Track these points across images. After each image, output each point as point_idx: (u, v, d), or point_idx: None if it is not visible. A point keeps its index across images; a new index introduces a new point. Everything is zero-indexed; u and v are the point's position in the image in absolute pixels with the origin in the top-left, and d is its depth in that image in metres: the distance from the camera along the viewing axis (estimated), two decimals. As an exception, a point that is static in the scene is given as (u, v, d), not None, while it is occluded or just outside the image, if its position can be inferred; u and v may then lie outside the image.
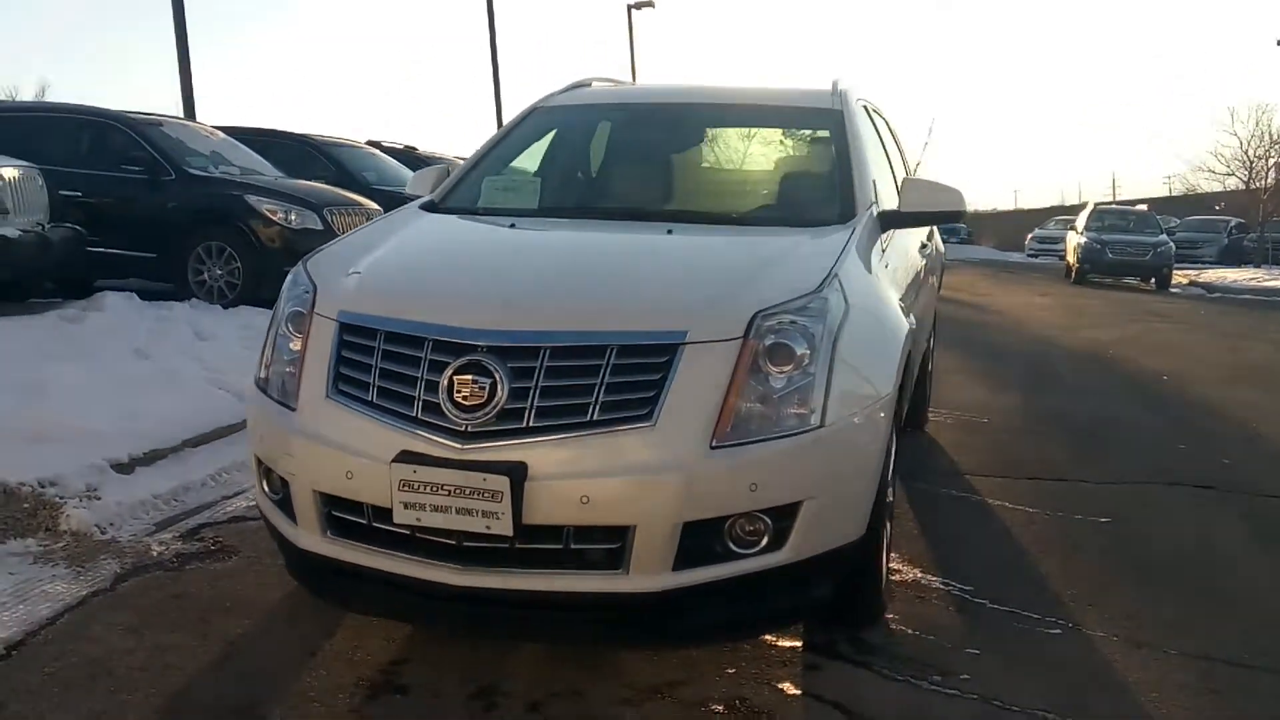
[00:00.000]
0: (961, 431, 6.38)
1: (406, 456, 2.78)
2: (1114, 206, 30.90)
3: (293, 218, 9.72)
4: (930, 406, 6.68)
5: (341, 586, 3.03)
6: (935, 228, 6.15)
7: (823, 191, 4.04)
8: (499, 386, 2.77)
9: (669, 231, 3.55)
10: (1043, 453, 5.91)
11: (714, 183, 4.18)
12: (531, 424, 2.76)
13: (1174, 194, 47.76)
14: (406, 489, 2.77)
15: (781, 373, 2.89)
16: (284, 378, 3.15)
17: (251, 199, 9.72)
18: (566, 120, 4.71)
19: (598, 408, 2.76)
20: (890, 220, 3.96)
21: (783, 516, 2.85)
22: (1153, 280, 23.05)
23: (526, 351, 2.82)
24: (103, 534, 4.22)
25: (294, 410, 3.06)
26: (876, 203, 3.92)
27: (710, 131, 4.45)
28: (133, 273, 10.02)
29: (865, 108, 4.86)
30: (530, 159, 4.77)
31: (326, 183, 11.76)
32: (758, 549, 2.85)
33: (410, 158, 15.97)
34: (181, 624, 3.42)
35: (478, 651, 3.20)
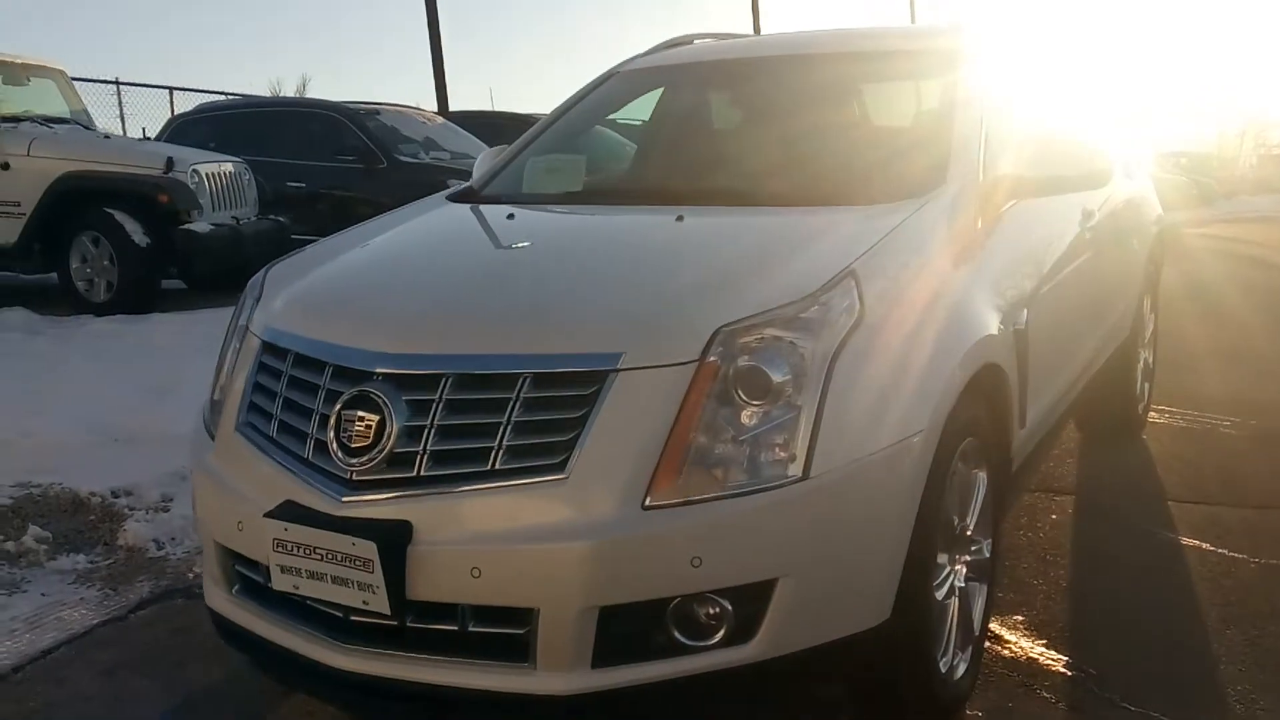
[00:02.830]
0: (1189, 440, 5.20)
1: (283, 510, 2.28)
2: None
3: (491, 198, 9.55)
4: (1159, 405, 5.55)
5: (256, 654, 2.57)
6: (1148, 187, 5.05)
7: (907, 156, 3.20)
8: (388, 424, 2.21)
9: (679, 218, 2.85)
10: (1290, 470, 4.70)
11: (783, 152, 3.41)
12: (423, 472, 2.19)
13: None
14: (281, 550, 2.27)
15: (755, 406, 2.18)
16: (216, 404, 2.74)
17: (452, 182, 9.61)
18: (644, 85, 4.06)
19: (501, 453, 2.16)
20: (1004, 189, 3.08)
21: (747, 600, 2.14)
22: None
23: (425, 380, 2.25)
24: (158, 549, 4.02)
25: (213, 443, 2.64)
26: (982, 168, 3.05)
27: (797, 89, 3.66)
28: (353, 261, 10.18)
29: (1019, 48, 3.92)
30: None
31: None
32: (714, 641, 2.15)
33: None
34: (159, 666, 3.11)
35: None
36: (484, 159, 3.98)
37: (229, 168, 8.64)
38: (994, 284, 2.88)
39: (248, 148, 10.17)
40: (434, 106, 13.62)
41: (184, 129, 10.99)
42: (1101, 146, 3.36)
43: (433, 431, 2.20)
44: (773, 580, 2.14)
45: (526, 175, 3.64)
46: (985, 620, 2.86)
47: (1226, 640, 3.08)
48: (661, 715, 2.21)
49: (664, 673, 2.15)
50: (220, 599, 2.56)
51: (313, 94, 23.12)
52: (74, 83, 9.75)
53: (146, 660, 3.16)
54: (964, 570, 2.71)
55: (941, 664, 2.56)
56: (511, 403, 2.17)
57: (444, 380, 2.22)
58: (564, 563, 2.09)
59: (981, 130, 3.14)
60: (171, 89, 15.60)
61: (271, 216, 8.86)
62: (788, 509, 2.14)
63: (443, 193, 3.57)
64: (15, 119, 8.19)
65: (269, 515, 2.28)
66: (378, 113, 10.60)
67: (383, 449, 2.20)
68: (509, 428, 2.16)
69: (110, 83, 15.98)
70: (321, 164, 10.18)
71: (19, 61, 8.65)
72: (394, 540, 2.14)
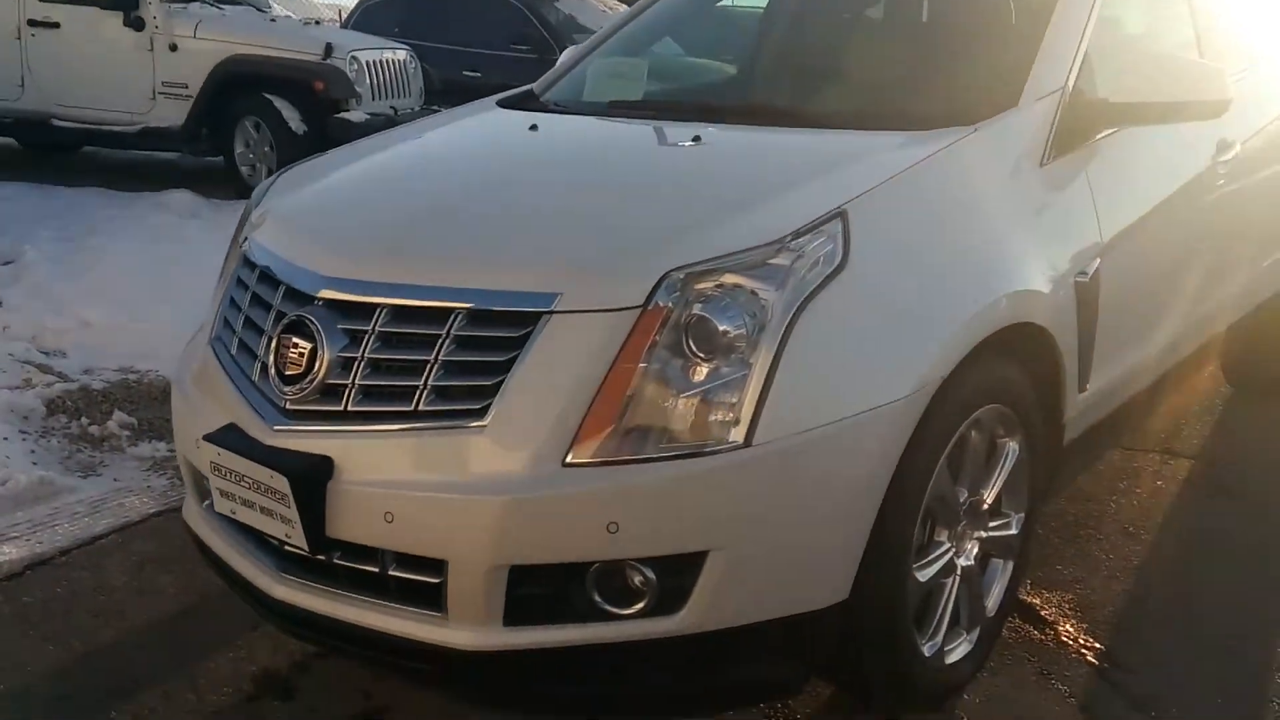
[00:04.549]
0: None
1: (220, 435, 2.23)
2: None
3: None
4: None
5: (218, 571, 2.54)
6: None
7: (984, 72, 2.83)
8: (319, 353, 2.11)
9: (695, 139, 2.60)
10: None
11: (854, 62, 3.05)
12: (350, 407, 2.09)
13: None
14: (217, 474, 2.23)
15: (702, 361, 1.97)
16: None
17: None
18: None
19: (426, 393, 2.03)
20: (1094, 115, 2.68)
21: (673, 570, 1.96)
22: None
23: (361, 308, 2.13)
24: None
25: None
26: (1068, 90, 2.66)
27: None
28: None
29: None
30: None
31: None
32: (637, 610, 1.99)
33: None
34: (188, 563, 3.14)
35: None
36: (566, 56, 3.77)
37: (393, 56, 8.66)
38: (1054, 228, 2.55)
39: (429, 34, 10.26)
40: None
41: (371, 13, 11.10)
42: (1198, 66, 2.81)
43: (362, 364, 2.08)
44: (703, 552, 1.95)
45: (589, 80, 3.43)
46: (1007, 601, 2.58)
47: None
48: (580, 680, 2.06)
49: (581, 637, 2.00)
50: (192, 513, 2.55)
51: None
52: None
53: (179, 555, 3.20)
54: (976, 547, 2.44)
55: (926, 647, 2.32)
56: (441, 340, 2.03)
57: (379, 310, 2.10)
58: (473, 517, 1.96)
59: (1079, 45, 2.74)
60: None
61: (435, 107, 8.87)
62: (721, 478, 1.94)
63: (496, 96, 3.40)
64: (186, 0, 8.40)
65: (207, 438, 2.23)
66: (556, 0, 10.45)
67: (314, 379, 2.11)
68: (436, 367, 2.02)
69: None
70: (497, 53, 10.17)
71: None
72: (309, 476, 2.05)
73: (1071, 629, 2.76)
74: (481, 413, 1.97)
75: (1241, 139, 3.40)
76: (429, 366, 2.02)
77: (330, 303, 2.16)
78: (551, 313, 1.99)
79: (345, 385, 2.08)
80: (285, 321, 2.18)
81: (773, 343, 1.96)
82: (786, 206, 2.14)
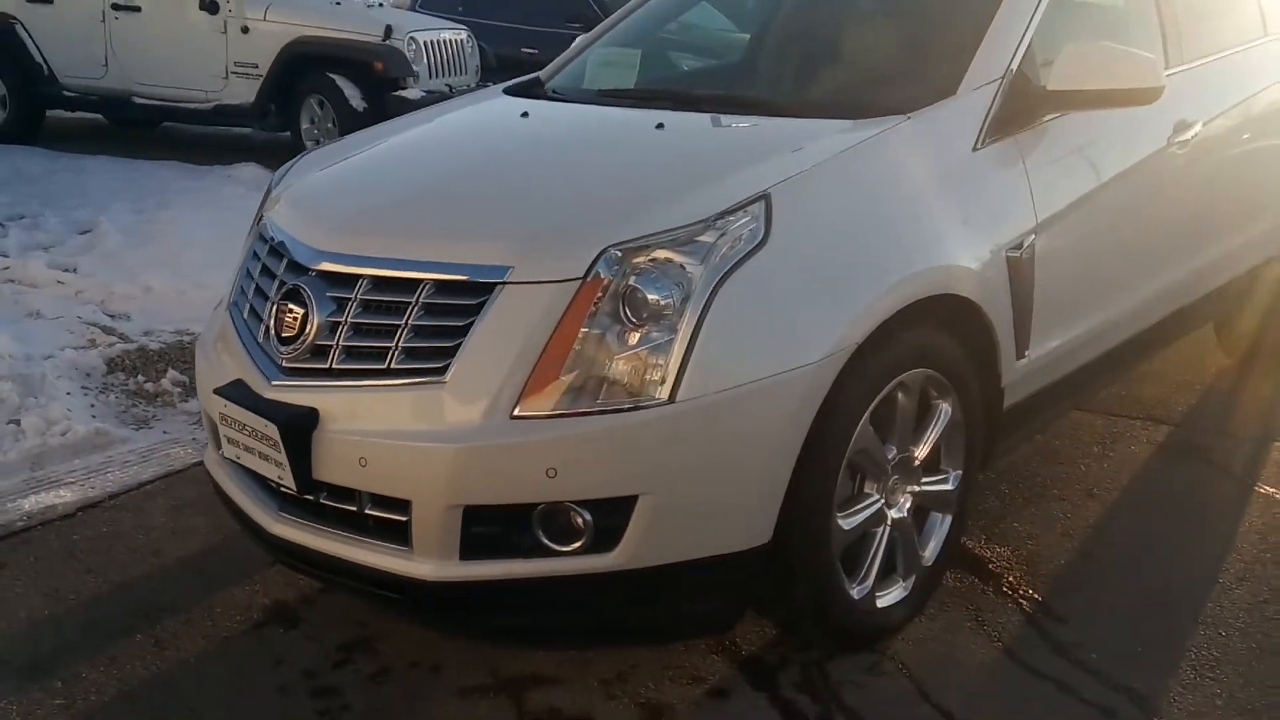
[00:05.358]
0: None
1: (227, 388, 2.54)
2: None
3: (718, 69, 9.52)
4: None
5: (231, 512, 2.86)
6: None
7: (929, 61, 3.01)
8: (311, 317, 2.41)
9: (659, 126, 2.84)
10: None
11: (820, 52, 3.25)
12: (334, 365, 2.38)
13: None
14: (225, 423, 2.55)
15: (634, 327, 2.22)
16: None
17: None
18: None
19: (397, 354, 2.31)
20: (1033, 104, 2.86)
21: (607, 512, 2.23)
22: None
23: (347, 279, 2.42)
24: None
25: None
26: (1005, 79, 2.84)
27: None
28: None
29: None
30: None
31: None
32: (576, 547, 2.26)
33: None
34: (219, 509, 3.45)
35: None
36: (576, 43, 4.02)
37: (451, 36, 8.98)
38: (982, 208, 2.74)
39: (491, 12, 10.59)
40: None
41: (437, -9, 11.46)
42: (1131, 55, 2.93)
43: (346, 328, 2.37)
44: (633, 496, 2.21)
45: (589, 68, 3.67)
46: (945, 552, 2.79)
47: (1229, 599, 2.87)
48: (527, 610, 2.34)
49: (527, 571, 2.27)
50: (211, 459, 2.87)
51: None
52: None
53: (214, 500, 3.50)
54: (909, 501, 2.66)
55: (855, 590, 2.55)
56: (411, 307, 2.31)
57: (360, 280, 2.38)
58: (431, 462, 2.24)
59: (1023, 34, 2.92)
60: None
61: (488, 84, 9.18)
62: (648, 430, 2.18)
63: (502, 84, 3.67)
64: (258, -19, 8.79)
65: (216, 391, 2.54)
66: (608, -21, 10.67)
67: (305, 340, 2.40)
68: (406, 331, 2.30)
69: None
70: (552, 30, 10.42)
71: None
72: (296, 425, 2.34)
73: (1014, 580, 2.96)
74: (442, 371, 2.25)
75: (1204, 119, 3.51)
76: (400, 330, 2.31)
77: (322, 273, 2.45)
78: (505, 283, 2.26)
79: (331, 346, 2.38)
80: (284, 289, 2.48)
81: (696, 310, 2.20)
82: (720, 189, 2.37)
